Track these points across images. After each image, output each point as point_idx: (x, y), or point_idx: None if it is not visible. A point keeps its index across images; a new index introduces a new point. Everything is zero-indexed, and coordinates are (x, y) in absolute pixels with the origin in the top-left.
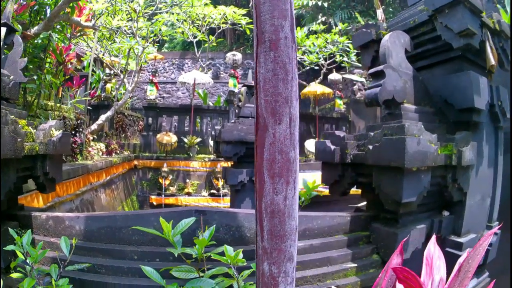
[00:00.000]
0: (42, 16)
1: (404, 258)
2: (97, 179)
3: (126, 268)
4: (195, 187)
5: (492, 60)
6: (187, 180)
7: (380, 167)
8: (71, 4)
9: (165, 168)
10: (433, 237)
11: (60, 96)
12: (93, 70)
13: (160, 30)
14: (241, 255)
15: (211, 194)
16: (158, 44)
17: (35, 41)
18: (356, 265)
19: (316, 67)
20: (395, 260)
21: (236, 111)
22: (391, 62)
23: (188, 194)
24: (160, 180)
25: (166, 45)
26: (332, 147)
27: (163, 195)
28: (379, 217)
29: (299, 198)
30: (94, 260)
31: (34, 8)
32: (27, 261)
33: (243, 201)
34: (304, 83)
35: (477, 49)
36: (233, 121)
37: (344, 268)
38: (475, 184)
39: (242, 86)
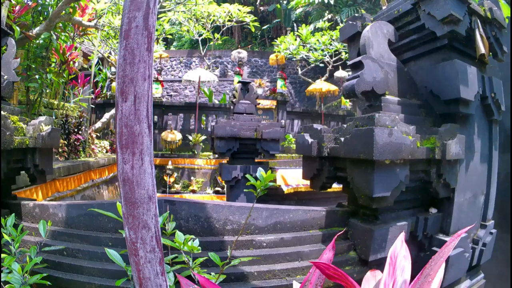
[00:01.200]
0: (45, 17)
1: (382, 257)
2: (99, 176)
3: (100, 253)
4: (200, 185)
5: (482, 48)
6: (192, 178)
7: (352, 160)
8: (72, 4)
9: (170, 166)
10: (401, 235)
11: (66, 94)
12: (99, 69)
13: (163, 28)
14: (196, 243)
15: (216, 192)
16: (164, 43)
17: (37, 41)
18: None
19: (321, 65)
20: (326, 255)
21: (231, 107)
22: (372, 53)
23: (193, 191)
24: (165, 178)
25: (174, 43)
26: (310, 140)
27: (167, 193)
28: (358, 212)
29: (255, 189)
30: (72, 245)
31: (38, 9)
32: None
33: (237, 197)
34: (310, 80)
35: (466, 38)
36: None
37: None
38: (465, 180)
39: (238, 83)
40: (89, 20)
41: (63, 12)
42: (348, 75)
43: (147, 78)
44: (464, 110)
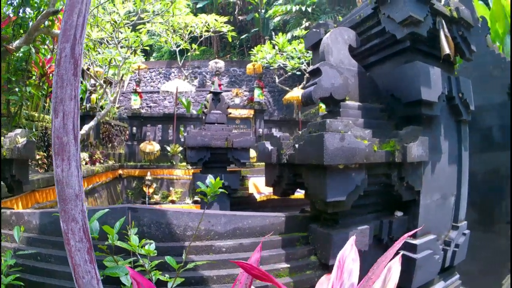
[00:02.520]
0: (25, 29)
1: None
2: None
3: None
4: (179, 195)
5: (446, 49)
6: (171, 188)
7: (307, 166)
8: (50, 18)
9: (149, 177)
10: (352, 238)
11: (46, 107)
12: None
13: (140, 40)
14: (153, 247)
15: (195, 202)
16: (143, 54)
17: (17, 54)
18: (289, 265)
19: (298, 73)
20: (255, 256)
21: (203, 117)
22: (331, 60)
23: (172, 202)
24: (144, 189)
25: (154, 54)
26: (270, 147)
27: (147, 203)
28: (319, 217)
29: (205, 195)
30: (45, 250)
31: (18, 22)
32: None
33: (210, 207)
34: (287, 88)
35: (430, 39)
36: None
37: (276, 269)
38: (432, 182)
39: (208, 93)
40: None
41: (42, 25)
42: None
43: (73, 98)
44: (428, 112)
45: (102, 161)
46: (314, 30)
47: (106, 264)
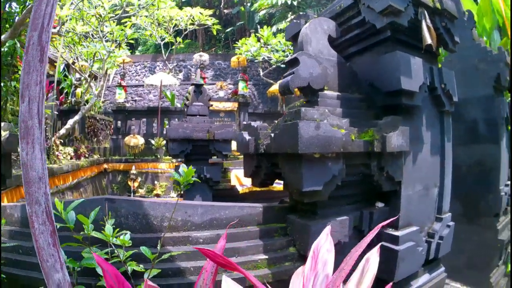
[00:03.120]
0: (11, 24)
1: None
2: (63, 182)
3: None
4: (164, 189)
5: (428, 39)
6: (156, 182)
7: (283, 155)
8: None
9: (133, 171)
10: (327, 228)
11: None
12: (65, 75)
13: (125, 33)
14: (128, 237)
15: (181, 195)
16: (128, 48)
17: (3, 48)
18: (267, 257)
19: (283, 65)
20: (220, 244)
21: (185, 110)
22: (310, 50)
23: (157, 195)
24: (129, 183)
25: (139, 48)
26: (248, 137)
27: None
28: (297, 208)
29: (179, 184)
30: (27, 243)
31: (4, 17)
32: None
33: (193, 198)
34: (272, 81)
35: (412, 30)
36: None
37: (254, 260)
38: (414, 173)
39: (190, 85)
40: (53, 27)
41: (28, 19)
42: None
43: (39, 83)
44: (408, 102)
45: (87, 155)
46: (294, 21)
47: (84, 255)
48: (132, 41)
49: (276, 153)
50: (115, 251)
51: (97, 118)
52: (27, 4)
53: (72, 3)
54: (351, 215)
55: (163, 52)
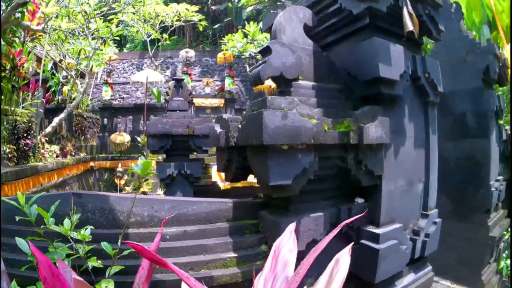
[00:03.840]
0: None
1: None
2: (48, 180)
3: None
4: (151, 186)
5: (409, 25)
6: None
7: (251, 147)
8: (21, 9)
9: (120, 168)
10: (291, 225)
11: (19, 99)
12: (53, 73)
13: (111, 30)
14: (88, 232)
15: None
16: (116, 45)
17: None
18: (237, 255)
19: None
20: (156, 239)
21: (166, 105)
22: (283, 38)
23: (144, 193)
24: (116, 180)
25: (127, 45)
26: (219, 130)
27: None
28: (269, 204)
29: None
30: None
31: None
32: None
33: (174, 194)
34: None
35: (393, 16)
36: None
37: (223, 258)
38: (395, 167)
39: (171, 80)
40: (38, 24)
41: (12, 17)
42: None
43: None
44: (388, 91)
45: (73, 153)
46: (272, 11)
47: (50, 251)
48: (117, 38)
49: (245, 146)
50: (75, 247)
51: (85, 116)
52: (13, 2)
53: (58, 0)
54: (327, 212)
55: (149, 49)
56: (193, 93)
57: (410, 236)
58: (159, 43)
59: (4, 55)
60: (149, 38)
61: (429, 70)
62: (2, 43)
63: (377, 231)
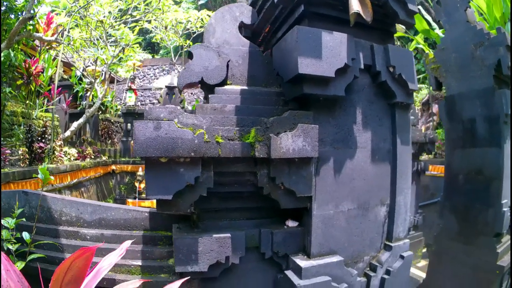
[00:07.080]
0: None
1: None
2: (60, 181)
3: None
4: None
5: (354, 6)
6: None
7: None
8: (30, 23)
9: (140, 172)
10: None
11: (34, 105)
12: (80, 79)
13: (129, 38)
14: (12, 222)
15: None
16: (150, 51)
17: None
18: (143, 265)
19: None
20: None
21: None
22: (212, 41)
23: None
24: (136, 184)
25: (161, 51)
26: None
27: (137, 199)
28: (186, 217)
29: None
30: None
31: (4, 28)
32: None
33: None
34: None
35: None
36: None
37: (128, 265)
38: (335, 186)
39: (164, 88)
40: (53, 35)
41: (22, 30)
42: None
43: None
44: (318, 91)
45: (93, 156)
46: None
47: None
48: (137, 46)
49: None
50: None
51: (112, 120)
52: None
53: (71, 12)
54: (243, 233)
55: (172, 55)
56: None
57: (365, 271)
58: (183, 49)
59: (18, 65)
60: (173, 45)
61: (395, 63)
62: (12, 54)
63: (302, 263)
